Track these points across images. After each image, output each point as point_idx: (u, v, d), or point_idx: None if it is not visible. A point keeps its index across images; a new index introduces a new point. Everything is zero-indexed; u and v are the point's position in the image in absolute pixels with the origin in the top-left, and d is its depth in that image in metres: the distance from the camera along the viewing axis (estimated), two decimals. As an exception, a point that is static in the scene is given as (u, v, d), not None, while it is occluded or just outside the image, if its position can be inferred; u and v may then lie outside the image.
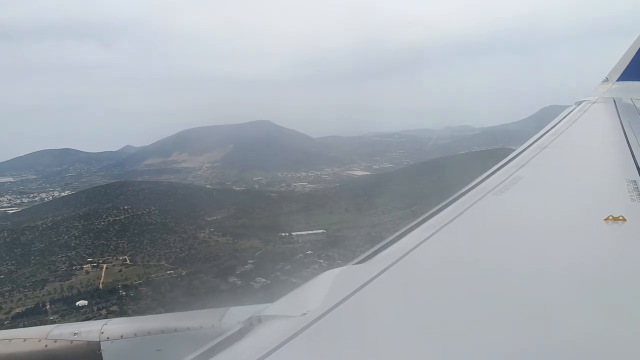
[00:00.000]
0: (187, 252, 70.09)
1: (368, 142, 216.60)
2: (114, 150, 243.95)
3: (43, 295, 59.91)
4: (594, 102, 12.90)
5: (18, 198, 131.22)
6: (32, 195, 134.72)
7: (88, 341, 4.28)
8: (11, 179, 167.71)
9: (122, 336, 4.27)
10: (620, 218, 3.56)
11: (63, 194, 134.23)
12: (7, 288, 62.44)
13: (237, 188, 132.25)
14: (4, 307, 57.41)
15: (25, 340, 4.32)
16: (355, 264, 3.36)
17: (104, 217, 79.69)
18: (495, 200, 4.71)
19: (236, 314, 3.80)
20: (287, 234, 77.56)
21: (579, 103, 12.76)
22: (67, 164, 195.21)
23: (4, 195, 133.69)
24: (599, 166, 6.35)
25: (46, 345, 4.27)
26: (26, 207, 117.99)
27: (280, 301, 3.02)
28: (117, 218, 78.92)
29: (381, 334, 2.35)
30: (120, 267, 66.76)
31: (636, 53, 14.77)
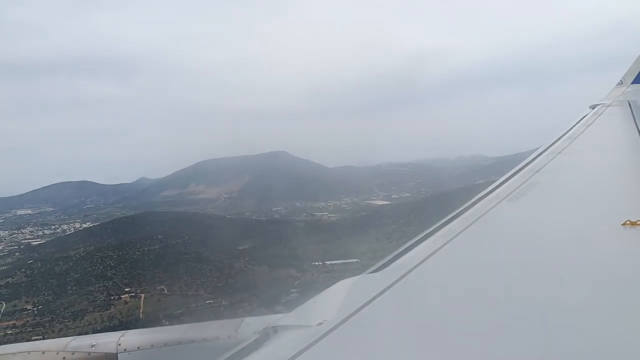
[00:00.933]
0: (224, 282, 69.66)
1: (383, 172, 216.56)
2: (129, 182, 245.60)
3: (84, 325, 59.58)
4: (608, 106, 12.81)
5: (40, 230, 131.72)
6: (53, 227, 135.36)
7: (105, 353, 4.29)
8: (30, 211, 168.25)
9: (139, 347, 4.28)
10: (639, 222, 3.50)
11: (84, 225, 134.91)
12: (47, 318, 62.29)
13: (258, 218, 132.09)
14: (46, 337, 56.83)
15: (43, 352, 4.35)
16: (370, 272, 3.33)
17: (137, 246, 79.77)
18: (511, 207, 4.69)
19: (252, 325, 3.75)
20: (320, 263, 77.13)
21: (593, 107, 12.65)
22: (84, 196, 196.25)
23: (26, 227, 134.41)
24: (615, 170, 6.26)
25: (64, 358, 4.29)
26: (49, 238, 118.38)
27: (295, 311, 3.03)
28: (152, 247, 78.90)
29: (397, 343, 2.34)
30: (158, 297, 66.47)
31: None
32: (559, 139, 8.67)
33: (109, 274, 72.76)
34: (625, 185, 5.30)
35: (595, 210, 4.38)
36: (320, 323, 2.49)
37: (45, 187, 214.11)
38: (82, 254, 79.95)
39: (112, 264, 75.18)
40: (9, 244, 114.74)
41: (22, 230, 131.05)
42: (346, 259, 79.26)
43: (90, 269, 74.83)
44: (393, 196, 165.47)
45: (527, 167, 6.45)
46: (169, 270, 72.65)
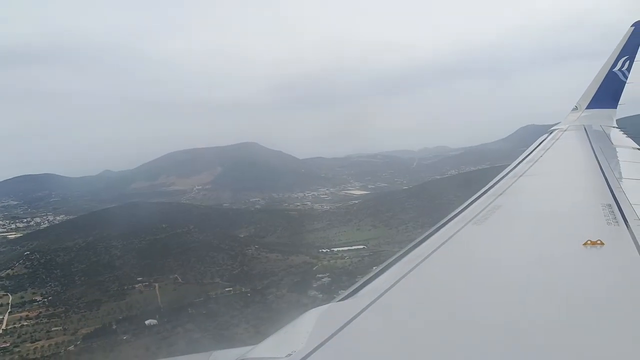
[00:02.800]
0: (239, 269, 69.07)
1: (353, 163, 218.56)
2: (93, 174, 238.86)
3: (103, 315, 58.13)
4: (565, 130, 13.36)
5: (12, 223, 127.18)
6: (25, 220, 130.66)
7: None
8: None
9: None
10: (599, 242, 3.64)
11: (58, 218, 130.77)
12: (60, 309, 60.39)
13: (248, 208, 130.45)
14: (67, 327, 55.33)
15: None
16: (339, 301, 3.37)
17: (142, 236, 78.01)
18: (476, 230, 4.78)
19: (220, 358, 3.62)
20: (328, 250, 77.48)
21: (551, 131, 13.34)
22: (48, 189, 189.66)
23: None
24: (575, 192, 6.50)
25: None
26: (25, 231, 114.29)
27: (264, 343, 2.99)
28: (157, 237, 77.32)
29: None
30: (173, 286, 65.39)
31: (602, 82, 15.46)
32: (519, 162, 8.99)
33: (116, 264, 70.94)
34: (585, 207, 5.44)
35: (556, 232, 4.51)
36: (290, 354, 2.48)
37: (6, 180, 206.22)
38: (82, 245, 77.60)
39: (119, 254, 73.33)
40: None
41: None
42: (352, 246, 80.00)
43: (95, 259, 72.82)
44: (370, 186, 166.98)
45: (491, 191, 6.66)
46: (179, 259, 71.43)
